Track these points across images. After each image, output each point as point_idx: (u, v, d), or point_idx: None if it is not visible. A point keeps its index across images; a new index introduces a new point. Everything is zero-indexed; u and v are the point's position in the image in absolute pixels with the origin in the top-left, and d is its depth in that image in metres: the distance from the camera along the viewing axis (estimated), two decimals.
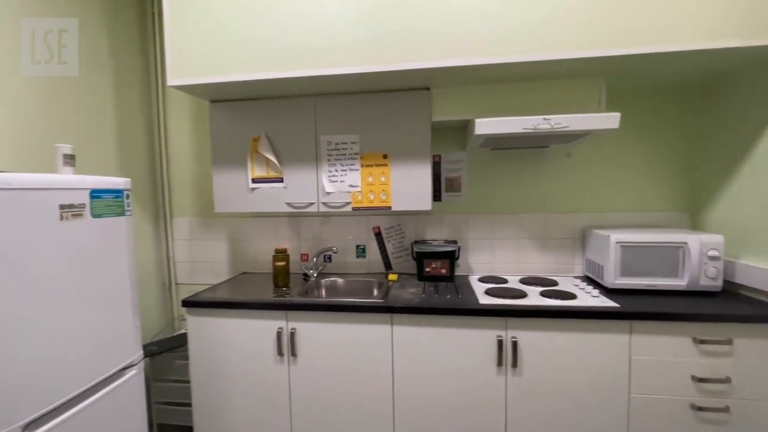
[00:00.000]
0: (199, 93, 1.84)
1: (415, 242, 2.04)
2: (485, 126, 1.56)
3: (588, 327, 1.47)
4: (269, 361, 1.70)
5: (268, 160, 1.88)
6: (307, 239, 2.23)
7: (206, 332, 1.74)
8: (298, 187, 1.88)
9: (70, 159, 1.38)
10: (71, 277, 1.19)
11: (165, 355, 2.03)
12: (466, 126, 1.93)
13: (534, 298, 1.63)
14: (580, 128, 1.50)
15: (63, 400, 1.16)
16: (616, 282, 1.67)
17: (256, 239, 2.28)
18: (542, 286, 1.81)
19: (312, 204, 1.88)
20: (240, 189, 1.93)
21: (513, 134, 1.57)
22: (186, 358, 2.02)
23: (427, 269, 1.94)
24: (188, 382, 2.00)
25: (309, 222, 2.22)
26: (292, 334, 1.66)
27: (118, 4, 2.01)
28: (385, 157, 1.81)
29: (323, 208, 1.87)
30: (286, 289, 1.90)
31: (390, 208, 1.83)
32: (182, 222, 2.33)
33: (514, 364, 1.52)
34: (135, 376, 1.45)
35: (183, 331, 2.18)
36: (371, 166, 1.82)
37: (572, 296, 1.61)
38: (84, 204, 1.23)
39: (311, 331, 1.67)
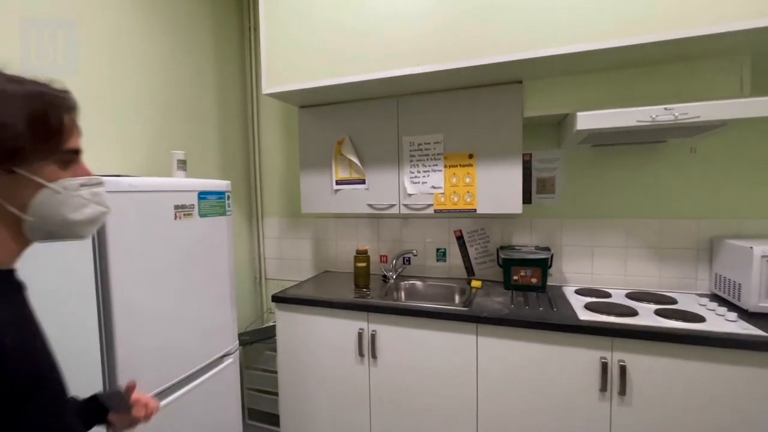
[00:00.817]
0: (289, 99, 1.94)
1: (502, 248, 1.91)
2: (589, 120, 1.38)
3: (724, 357, 1.22)
4: (350, 360, 1.72)
5: (351, 162, 1.90)
6: (386, 241, 2.22)
7: (293, 327, 1.82)
8: (379, 188, 1.87)
9: (182, 164, 1.53)
10: (182, 271, 1.32)
11: (256, 345, 2.18)
12: (561, 121, 1.75)
13: (647, 317, 1.40)
14: (715, 118, 1.25)
15: (174, 381, 1.29)
16: (761, 304, 1.37)
17: (337, 239, 2.34)
18: (656, 303, 1.55)
19: (393, 206, 1.86)
20: (325, 190, 1.98)
21: (623, 128, 1.37)
22: (274, 349, 2.14)
23: (515, 277, 1.80)
24: (276, 372, 2.13)
25: (389, 223, 2.21)
26: (373, 336, 1.66)
27: (221, 22, 2.21)
28: (470, 156, 1.71)
29: (404, 210, 1.84)
30: (367, 290, 1.91)
31: (475, 210, 1.73)
32: (272, 222, 2.49)
33: (622, 391, 1.32)
34: (232, 364, 1.57)
35: (272, 323, 2.32)
36: (455, 166, 1.74)
37: (699, 318, 1.35)
38: (193, 204, 1.35)
39: (392, 334, 1.64)
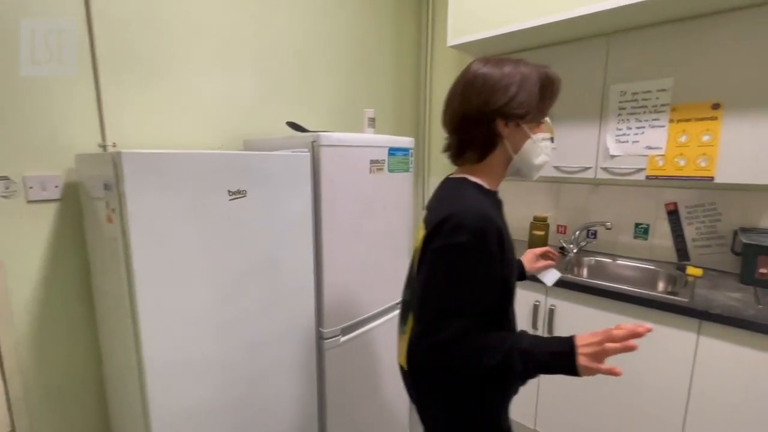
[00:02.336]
0: (473, 49, 1.82)
1: (743, 230, 1.45)
2: None
3: None
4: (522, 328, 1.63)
5: None
6: (566, 209, 1.97)
7: None
8: (571, 148, 1.63)
9: (372, 122, 1.62)
10: (372, 220, 1.43)
11: None
12: None
13: None
14: None
15: (362, 317, 1.44)
16: None
17: (509, 203, 2.18)
18: None
19: (586, 169, 1.60)
20: None
21: None
22: None
23: (763, 270, 1.36)
24: None
25: (572, 190, 1.93)
26: (551, 311, 1.52)
27: None
28: (715, 107, 1.30)
29: (601, 175, 1.57)
30: None
31: (711, 179, 1.33)
32: (437, 181, 2.48)
33: None
34: None
35: None
36: (687, 120, 1.36)
37: None
38: (384, 160, 1.42)
39: (574, 312, 1.47)
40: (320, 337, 1.32)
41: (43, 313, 1.17)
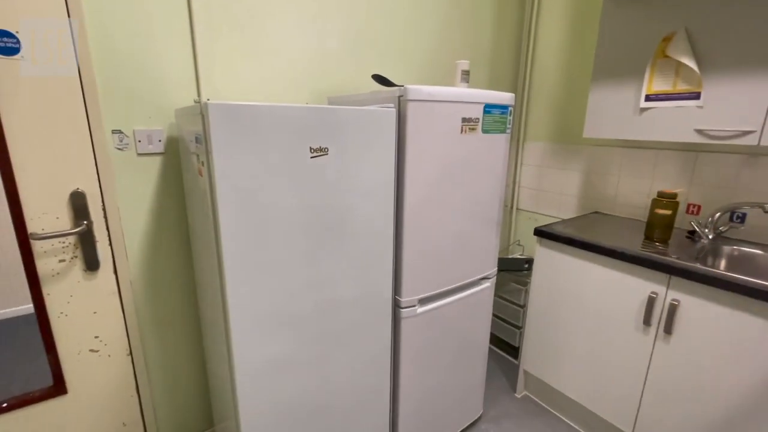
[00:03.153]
0: None
1: None
2: None
3: None
4: (626, 325, 1.39)
5: (678, 68, 1.34)
6: (703, 184, 1.59)
7: (554, 268, 1.61)
8: (725, 106, 1.26)
9: (465, 75, 1.43)
10: (459, 188, 1.29)
11: (503, 273, 2.12)
12: None
13: None
14: None
15: (441, 290, 1.35)
16: None
17: (620, 175, 1.85)
18: None
19: (748, 133, 1.23)
20: (624, 109, 1.52)
21: None
22: (521, 282, 2.04)
23: None
24: (518, 305, 2.04)
25: (718, 160, 1.54)
26: (673, 307, 1.25)
27: None
28: None
29: None
30: (664, 245, 1.44)
31: None
32: (534, 146, 2.21)
33: None
34: (488, 288, 1.54)
35: (518, 255, 2.20)
36: None
37: None
38: (478, 118, 1.25)
39: (703, 312, 1.19)
40: (397, 306, 1.26)
41: (151, 256, 1.30)
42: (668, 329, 1.28)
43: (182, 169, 1.27)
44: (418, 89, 1.09)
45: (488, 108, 1.26)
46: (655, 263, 1.28)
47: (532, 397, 1.86)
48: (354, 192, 1.07)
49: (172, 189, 1.29)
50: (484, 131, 1.28)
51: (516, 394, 1.88)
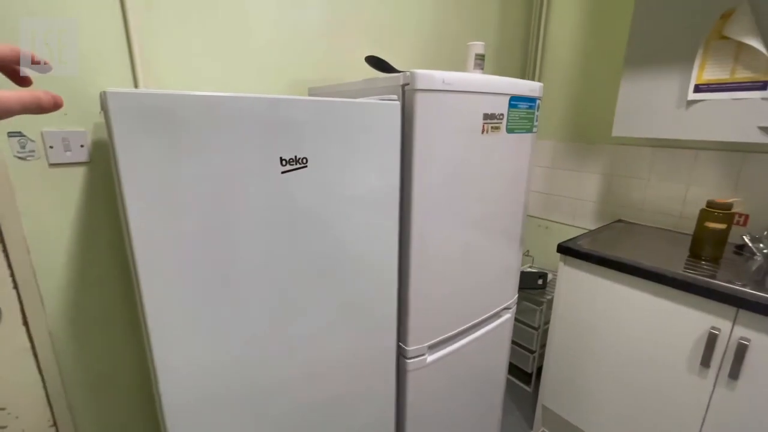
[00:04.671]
0: None
1: None
2: None
3: None
4: (677, 365, 1.15)
5: (739, 51, 1.10)
6: (751, 191, 1.36)
7: (581, 291, 1.36)
8: None
9: (480, 59, 1.16)
10: (480, 205, 1.02)
11: None
12: None
13: None
14: None
15: (457, 330, 1.08)
16: None
17: (649, 178, 1.61)
18: None
19: None
20: (665, 103, 1.27)
21: None
22: (533, 301, 1.79)
23: None
24: (532, 327, 1.80)
25: None
26: (742, 347, 1.01)
27: None
28: None
29: None
30: (713, 265, 1.21)
31: None
32: (544, 146, 1.96)
33: None
34: (509, 320, 1.28)
35: (528, 269, 1.95)
36: None
37: None
38: (503, 114, 0.97)
39: None
40: (402, 356, 0.99)
41: (77, 297, 0.98)
42: (734, 374, 1.04)
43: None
44: (429, 75, 0.81)
45: (514, 101, 0.99)
46: (718, 293, 1.04)
47: None
48: (344, 219, 0.78)
49: (103, 209, 0.98)
50: (509, 130, 1.01)
51: (533, 431, 1.64)
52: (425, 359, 1.01)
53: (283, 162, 0.66)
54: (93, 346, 1.03)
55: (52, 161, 0.89)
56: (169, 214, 0.59)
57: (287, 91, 1.18)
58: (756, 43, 1.06)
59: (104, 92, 0.51)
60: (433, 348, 1.03)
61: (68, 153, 0.90)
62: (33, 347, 0.94)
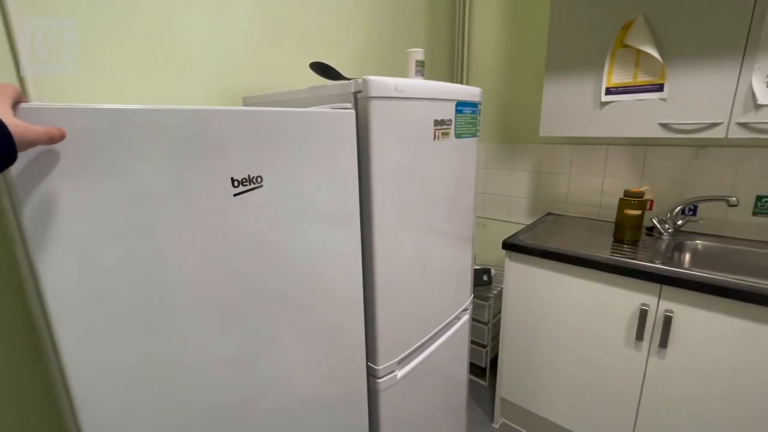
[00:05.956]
0: None
1: None
2: None
3: None
4: (615, 341, 1.26)
5: (638, 58, 1.25)
6: (654, 179, 1.56)
7: (527, 284, 1.44)
8: (689, 98, 1.20)
9: (421, 66, 1.16)
10: (435, 211, 1.01)
11: None
12: None
13: None
14: None
15: (424, 339, 1.06)
16: None
17: (570, 173, 1.77)
18: None
19: (714, 126, 1.17)
20: (582, 105, 1.40)
21: None
22: (480, 297, 1.85)
23: None
24: (482, 322, 1.86)
25: (667, 154, 1.51)
26: (668, 319, 1.14)
27: None
28: None
29: (737, 133, 1.14)
30: (633, 247, 1.36)
31: None
32: (479, 148, 2.04)
33: None
34: (467, 321, 1.30)
35: (474, 266, 2.02)
36: None
37: None
38: (451, 120, 0.98)
39: (703, 323, 1.10)
40: (372, 375, 0.94)
41: None
42: (663, 343, 1.17)
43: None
44: (382, 82, 0.78)
45: (460, 106, 1.01)
46: (645, 273, 1.16)
47: (511, 425, 1.68)
48: (306, 242, 0.71)
49: None
50: (457, 135, 1.02)
51: (494, 425, 1.69)
52: (396, 375, 0.97)
53: (235, 183, 0.58)
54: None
55: None
56: (92, 259, 0.47)
57: (218, 102, 1.06)
58: (651, 50, 1.21)
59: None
60: (401, 362, 1.00)
61: None
62: None
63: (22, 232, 0.43)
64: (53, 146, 0.43)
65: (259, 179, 0.61)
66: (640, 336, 1.21)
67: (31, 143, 0.39)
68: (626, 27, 1.26)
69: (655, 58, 1.21)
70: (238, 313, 0.62)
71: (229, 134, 0.56)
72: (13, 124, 0.37)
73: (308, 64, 0.92)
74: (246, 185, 0.59)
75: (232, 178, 0.58)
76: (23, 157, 0.42)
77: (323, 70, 0.89)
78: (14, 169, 0.42)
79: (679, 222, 1.46)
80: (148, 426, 0.55)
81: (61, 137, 0.42)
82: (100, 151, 0.46)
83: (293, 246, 0.69)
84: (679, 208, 1.44)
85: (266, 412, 0.70)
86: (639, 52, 1.24)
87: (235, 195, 0.58)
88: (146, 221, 0.50)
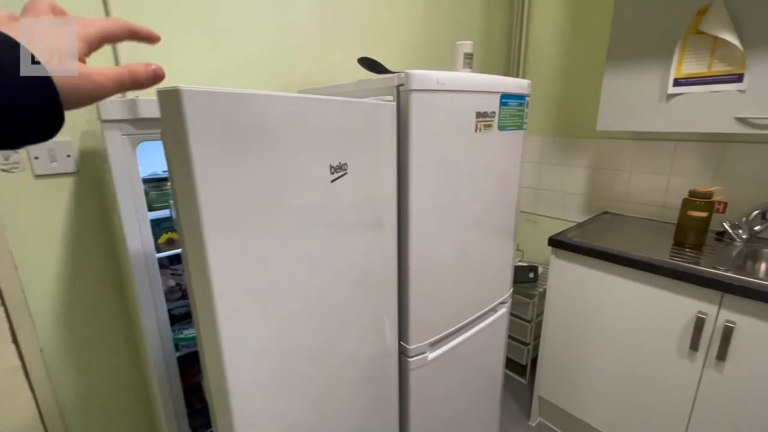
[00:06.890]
0: None
1: None
2: None
3: None
4: (667, 349, 1.19)
5: (715, 46, 1.14)
6: (730, 180, 1.41)
7: (572, 283, 1.39)
8: None
9: (469, 59, 1.17)
10: (475, 203, 1.03)
11: None
12: None
13: None
14: None
15: (457, 326, 1.09)
16: None
17: (631, 170, 1.66)
18: None
19: None
20: (647, 97, 1.31)
21: None
22: (525, 294, 1.82)
23: None
24: (525, 320, 1.83)
25: (746, 152, 1.37)
26: (728, 330, 1.06)
27: None
28: None
29: None
30: (696, 252, 1.26)
31: None
32: (532, 141, 1.99)
33: None
34: (505, 314, 1.30)
35: (518, 263, 1.98)
36: None
37: None
38: (494, 112, 0.99)
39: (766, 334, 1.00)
40: (403, 354, 0.99)
41: (69, 313, 0.96)
42: (722, 356, 1.08)
43: (108, 192, 0.93)
44: (423, 75, 0.81)
45: (505, 99, 1.01)
46: (705, 279, 1.08)
47: (548, 424, 1.65)
48: (362, 224, 0.79)
49: (93, 219, 0.95)
50: (501, 128, 1.03)
51: (530, 422, 1.67)
52: (426, 357, 1.02)
53: (332, 169, 0.66)
54: (88, 363, 1.00)
55: (38, 173, 0.86)
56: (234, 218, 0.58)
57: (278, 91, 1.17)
58: (731, 38, 1.11)
59: (176, 89, 0.48)
60: (433, 345, 1.04)
61: (54, 164, 0.87)
62: (24, 366, 0.91)
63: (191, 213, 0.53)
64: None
65: (345, 166, 0.69)
66: (695, 346, 1.13)
67: (104, 90, 0.28)
68: (702, 12, 1.16)
69: (735, 45, 1.10)
70: (333, 293, 0.73)
71: (338, 123, 0.66)
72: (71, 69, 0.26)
73: (357, 59, 0.98)
74: (339, 172, 0.68)
75: (330, 165, 0.66)
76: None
77: (370, 64, 0.95)
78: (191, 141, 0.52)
79: (756, 227, 1.32)
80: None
81: (155, 78, 0.31)
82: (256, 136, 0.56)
83: (358, 230, 0.77)
84: (757, 212, 1.30)
85: (323, 363, 0.79)
86: (716, 39, 1.14)
87: (332, 181, 0.67)
88: (275, 211, 0.61)
